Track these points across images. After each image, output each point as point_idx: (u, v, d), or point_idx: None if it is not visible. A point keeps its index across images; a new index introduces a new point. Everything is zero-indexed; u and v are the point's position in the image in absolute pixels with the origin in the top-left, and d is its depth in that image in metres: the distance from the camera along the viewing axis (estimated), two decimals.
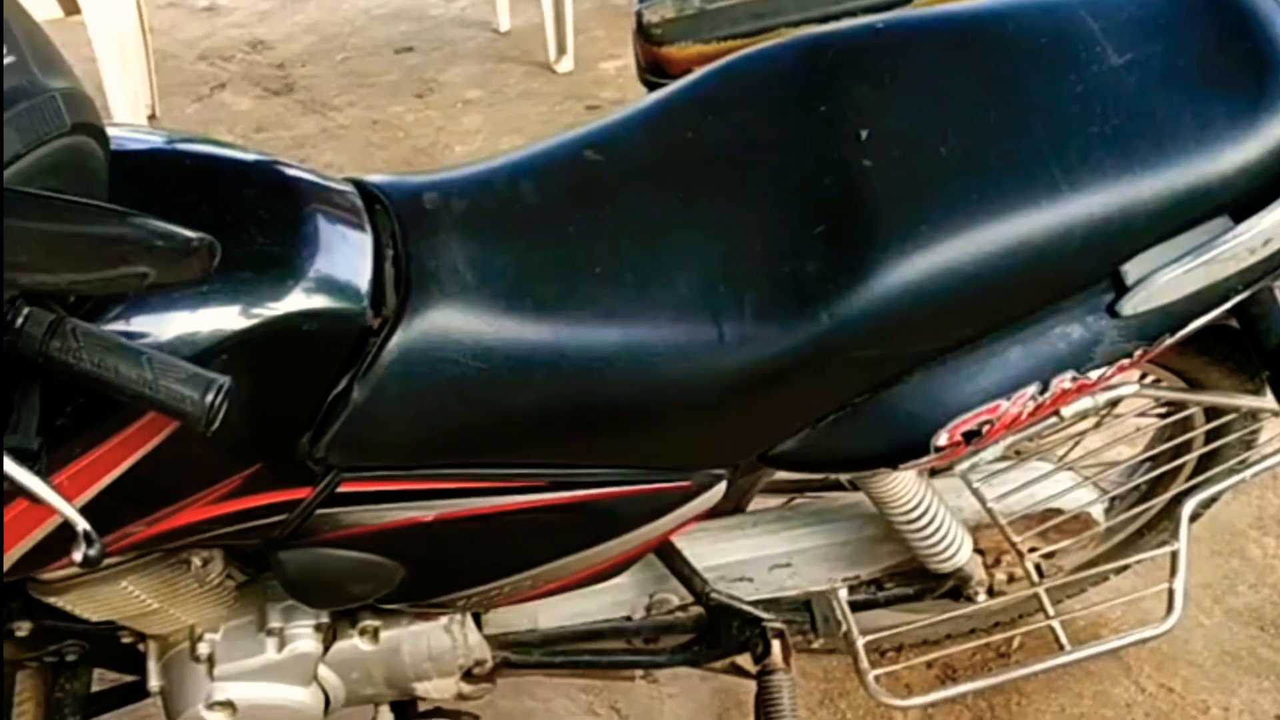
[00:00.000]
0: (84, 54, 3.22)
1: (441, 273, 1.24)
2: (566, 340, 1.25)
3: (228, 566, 1.46)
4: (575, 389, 1.27)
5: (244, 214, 1.17)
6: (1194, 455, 1.80)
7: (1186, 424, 1.77)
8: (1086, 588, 2.03)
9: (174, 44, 4.60)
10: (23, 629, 1.46)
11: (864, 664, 1.73)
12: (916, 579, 1.81)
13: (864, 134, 1.31)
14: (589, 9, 4.42)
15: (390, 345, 1.20)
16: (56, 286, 0.96)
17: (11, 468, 0.94)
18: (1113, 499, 1.85)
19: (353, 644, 1.55)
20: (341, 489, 1.28)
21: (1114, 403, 1.61)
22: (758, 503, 1.77)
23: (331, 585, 1.40)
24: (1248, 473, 1.72)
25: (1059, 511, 1.73)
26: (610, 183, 1.35)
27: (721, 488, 1.45)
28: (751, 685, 1.73)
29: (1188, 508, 1.72)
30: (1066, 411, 1.51)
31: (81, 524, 0.98)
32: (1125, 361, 1.39)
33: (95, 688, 1.65)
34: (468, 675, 1.66)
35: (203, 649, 1.49)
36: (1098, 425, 1.79)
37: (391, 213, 1.28)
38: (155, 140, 1.27)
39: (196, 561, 1.39)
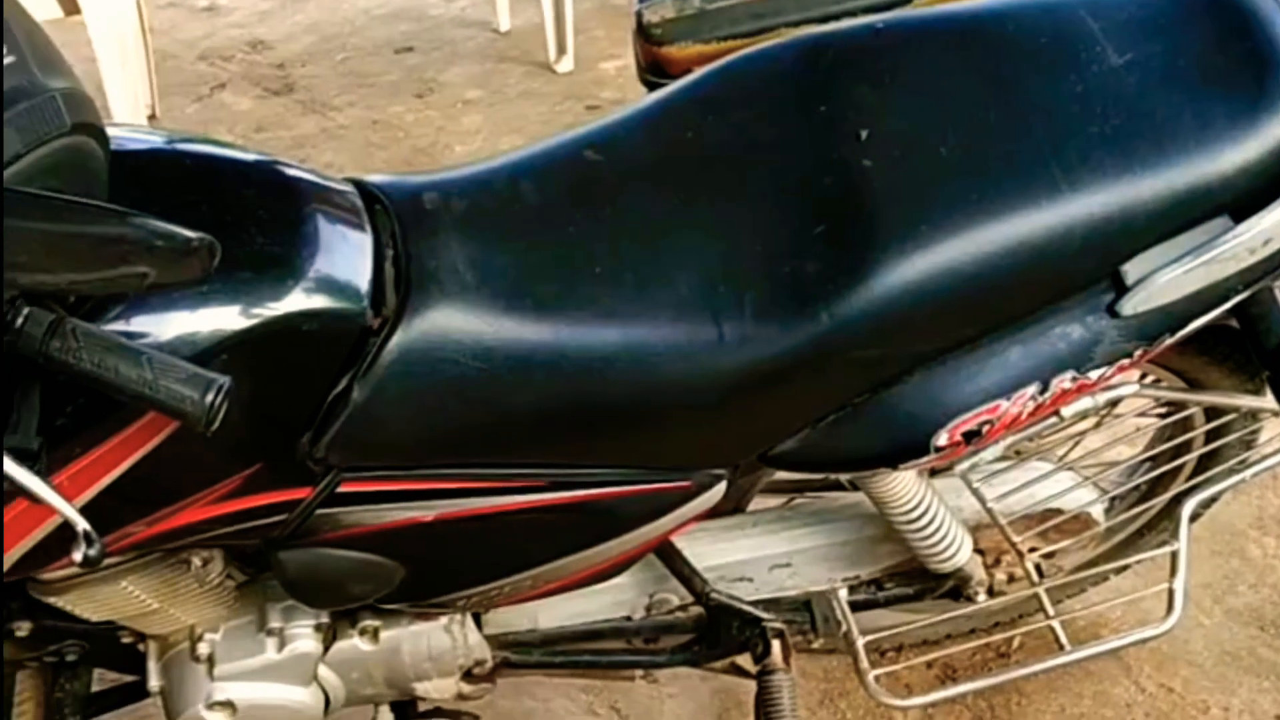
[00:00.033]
0: (84, 54, 3.22)
1: (441, 273, 1.24)
2: (566, 340, 1.25)
3: (228, 566, 1.46)
4: (575, 389, 1.27)
5: (244, 214, 1.17)
6: (1194, 455, 1.80)
7: (1186, 424, 1.77)
8: (1086, 588, 2.03)
9: (174, 44, 4.60)
10: (23, 629, 1.46)
11: (864, 664, 1.73)
12: (916, 579, 1.81)
13: (864, 134, 1.31)
14: (589, 9, 4.43)
15: (390, 345, 1.20)
16: (57, 286, 0.95)
17: (11, 468, 0.94)
18: (1113, 499, 1.85)
19: (353, 644, 1.55)
20: (341, 489, 1.28)
21: (1114, 403, 1.61)
22: (758, 503, 1.77)
23: (331, 585, 1.40)
24: (1248, 473, 1.72)
25: (1059, 511, 1.73)
26: (610, 183, 1.35)
27: (721, 488, 1.45)
28: (751, 685, 1.73)
29: (1188, 508, 1.72)
30: (1066, 411, 1.51)
31: (81, 524, 0.98)
32: (1125, 361, 1.39)
33: (95, 688, 1.65)
34: (468, 675, 1.66)
35: (203, 649, 1.49)
36: (1098, 425, 1.79)
37: (391, 213, 1.28)
38: (155, 140, 1.27)
39: (196, 561, 1.39)
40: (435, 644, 1.59)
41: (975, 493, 1.65)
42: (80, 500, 1.10)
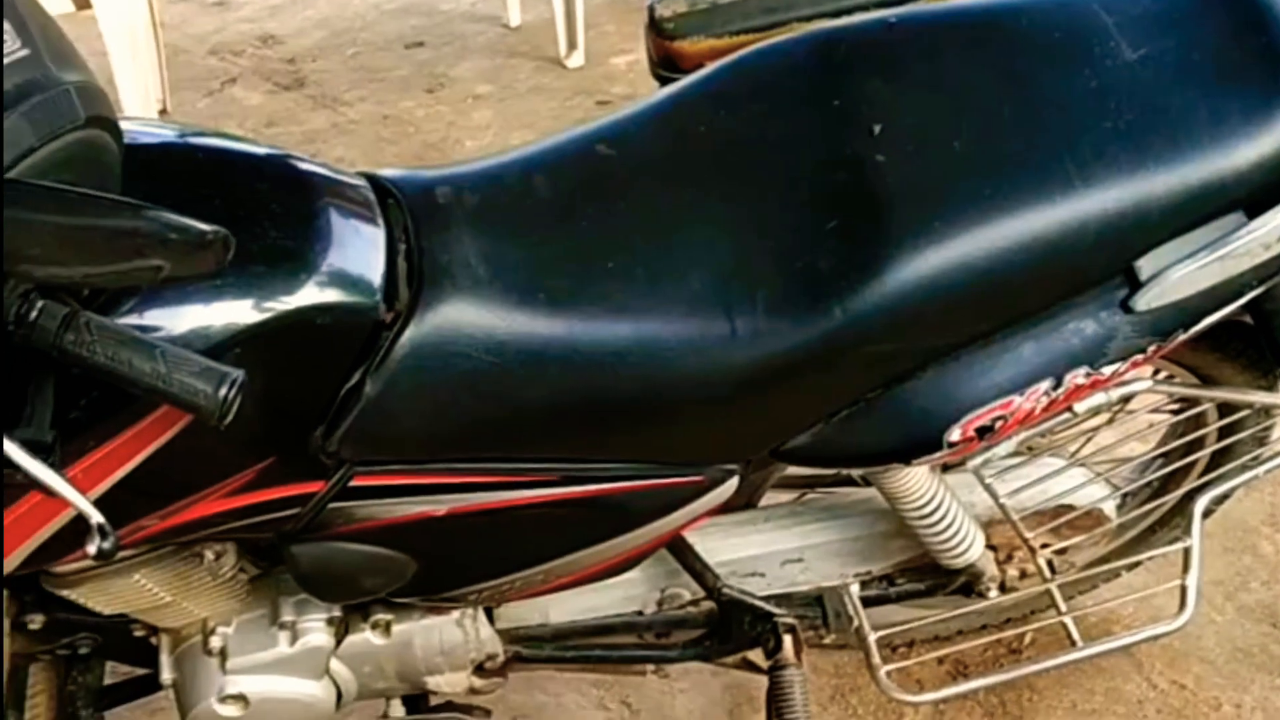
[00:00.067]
0: (95, 48, 3.23)
1: (454, 267, 1.24)
2: (579, 335, 1.25)
3: (240, 560, 1.46)
4: (588, 383, 1.27)
5: (257, 208, 1.17)
6: (1206, 452, 1.79)
7: (1199, 420, 1.77)
8: (1098, 584, 2.02)
9: (185, 39, 4.60)
10: (36, 622, 1.47)
11: (875, 659, 1.73)
12: (928, 575, 1.81)
13: (877, 129, 1.31)
14: (599, 4, 4.43)
15: (403, 339, 1.20)
16: (70, 280, 0.96)
17: (26, 460, 0.94)
18: (1125, 495, 1.84)
19: (365, 638, 1.55)
20: (354, 483, 1.28)
21: (1127, 399, 1.61)
22: (770, 498, 1.77)
23: (344, 579, 1.40)
24: (1261, 469, 1.72)
25: (1071, 507, 1.73)
26: (622, 178, 1.34)
27: (734, 483, 1.44)
28: (763, 680, 1.72)
29: (1200, 504, 1.72)
30: (1079, 407, 1.51)
31: (95, 517, 0.98)
32: (1139, 357, 1.39)
33: (107, 681, 1.66)
34: (479, 669, 1.66)
35: (215, 642, 1.50)
36: (1110, 421, 1.79)
37: (404, 207, 1.28)
38: (168, 134, 1.27)
39: (209, 555, 1.39)
40: (447, 638, 1.59)
41: (988, 488, 1.65)
42: (94, 493, 1.10)
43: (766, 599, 1.72)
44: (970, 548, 1.71)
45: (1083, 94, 1.30)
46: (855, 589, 1.78)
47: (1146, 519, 1.93)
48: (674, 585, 1.71)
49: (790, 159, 1.33)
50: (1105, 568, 1.95)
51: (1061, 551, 1.77)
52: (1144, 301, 1.33)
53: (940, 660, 2.08)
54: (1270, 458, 1.72)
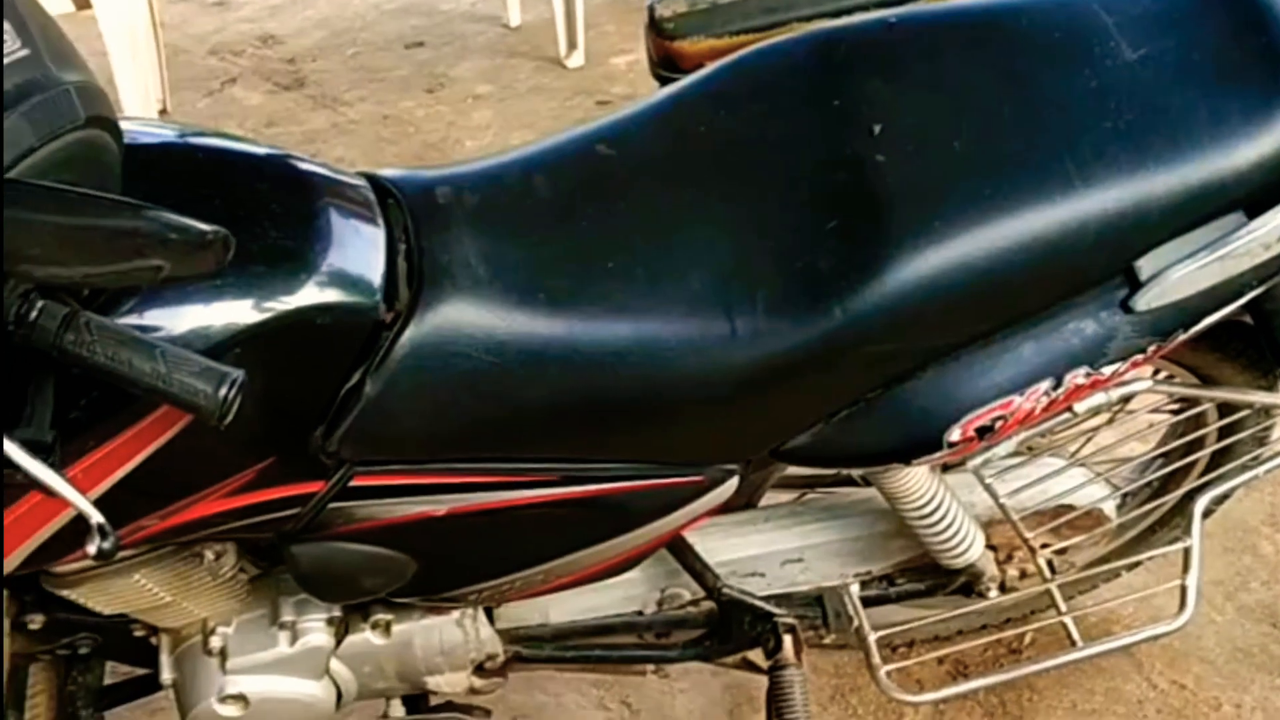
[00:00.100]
0: (95, 48, 3.23)
1: (454, 267, 1.24)
2: (579, 335, 1.25)
3: (240, 560, 1.46)
4: (588, 383, 1.27)
5: (257, 208, 1.17)
6: (1206, 452, 1.79)
7: (1199, 420, 1.77)
8: (1098, 584, 2.02)
9: (184, 39, 4.60)
10: (36, 622, 1.47)
11: (875, 659, 1.73)
12: (928, 575, 1.81)
13: (877, 129, 1.31)
14: (599, 4, 4.43)
15: (403, 339, 1.20)
16: (70, 280, 0.96)
17: (26, 460, 0.94)
18: (1125, 495, 1.84)
19: (365, 638, 1.55)
20: (354, 483, 1.28)
21: (1127, 399, 1.61)
22: (770, 498, 1.77)
23: (344, 579, 1.40)
24: (1261, 469, 1.72)
25: (1071, 508, 1.73)
26: (622, 178, 1.34)
27: (734, 483, 1.44)
28: (763, 680, 1.72)
29: (1200, 504, 1.72)
30: (1079, 407, 1.51)
31: (96, 517, 0.98)
32: (1139, 357, 1.39)
33: (107, 681, 1.66)
34: (479, 669, 1.66)
35: (215, 642, 1.50)
36: (1110, 421, 1.79)
37: (404, 207, 1.28)
38: (168, 134, 1.27)
39: (209, 555, 1.39)
40: (447, 638, 1.59)
41: (988, 488, 1.65)
42: (94, 493, 1.10)
43: (766, 599, 1.72)
44: (970, 548, 1.71)
45: (1083, 94, 1.30)
46: (855, 589, 1.78)
47: (1146, 519, 1.93)
48: (674, 585, 1.71)
49: (790, 159, 1.33)
50: (1105, 568, 1.95)
51: (1061, 551, 1.77)
52: (1144, 301, 1.33)
53: (940, 660, 2.08)
54: (1270, 458, 1.72)
